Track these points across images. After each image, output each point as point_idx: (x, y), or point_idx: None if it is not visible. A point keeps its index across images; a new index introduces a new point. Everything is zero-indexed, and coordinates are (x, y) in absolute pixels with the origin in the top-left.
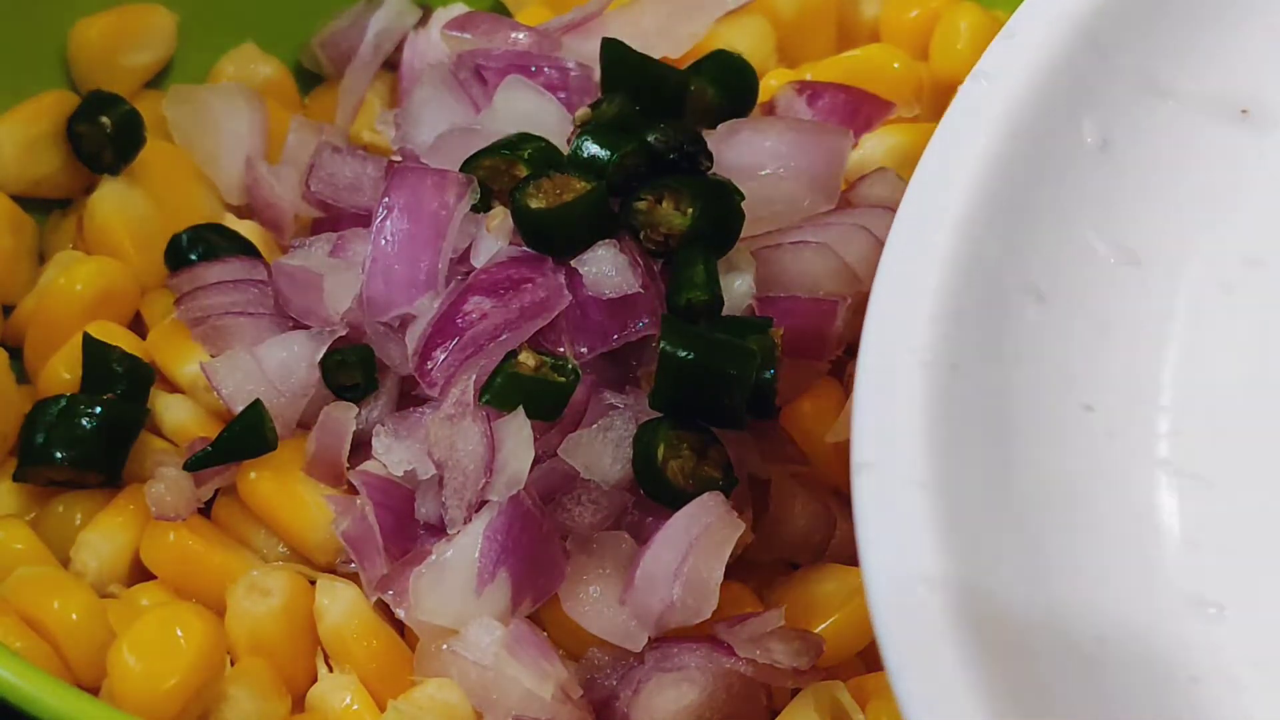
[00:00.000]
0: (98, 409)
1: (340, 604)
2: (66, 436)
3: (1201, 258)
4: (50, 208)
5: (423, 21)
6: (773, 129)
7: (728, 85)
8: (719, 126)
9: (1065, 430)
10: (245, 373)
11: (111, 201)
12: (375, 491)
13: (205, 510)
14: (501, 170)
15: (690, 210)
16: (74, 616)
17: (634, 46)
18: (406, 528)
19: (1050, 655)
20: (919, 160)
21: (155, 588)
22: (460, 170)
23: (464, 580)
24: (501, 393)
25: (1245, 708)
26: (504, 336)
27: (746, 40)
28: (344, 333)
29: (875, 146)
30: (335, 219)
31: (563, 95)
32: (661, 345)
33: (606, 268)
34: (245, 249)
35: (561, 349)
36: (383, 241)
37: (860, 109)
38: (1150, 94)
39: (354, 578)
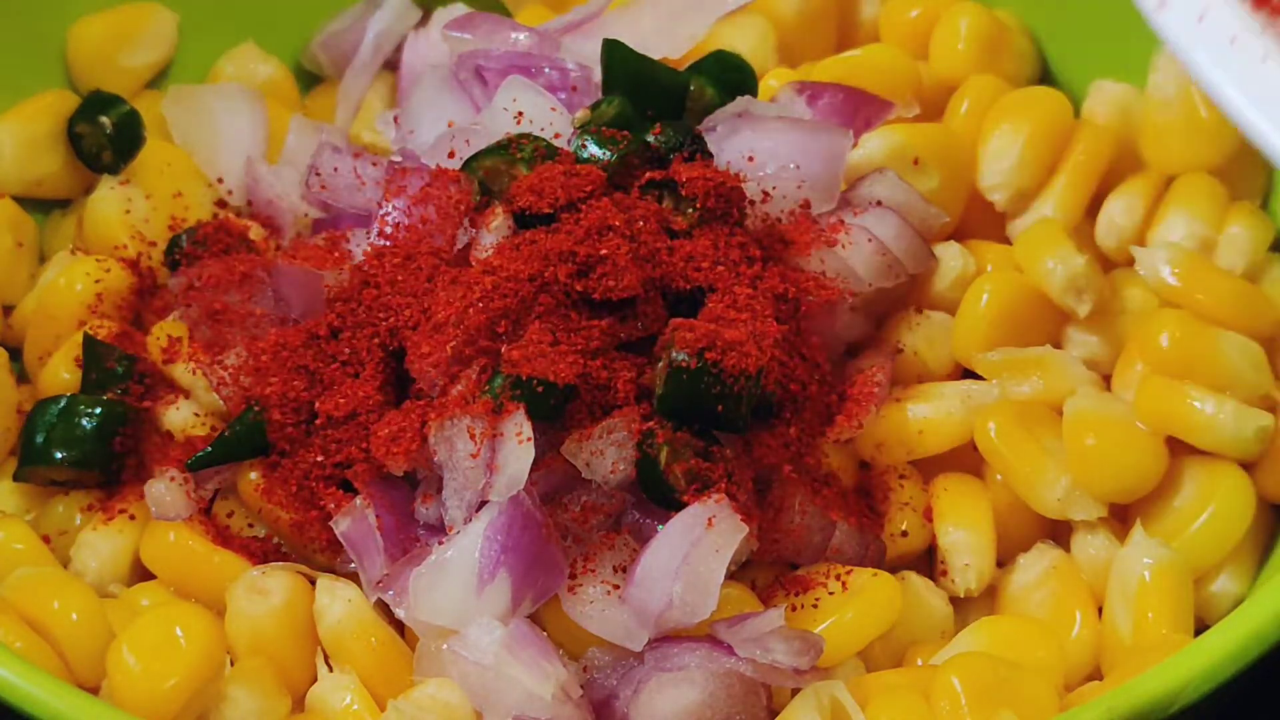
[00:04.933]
0: (98, 409)
1: (340, 604)
2: (66, 436)
3: None
4: (50, 208)
5: (423, 22)
6: (773, 129)
7: (728, 85)
8: (719, 126)
9: None
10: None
11: (111, 201)
12: (375, 491)
13: (205, 510)
14: (501, 170)
15: (691, 210)
16: (74, 616)
17: (634, 47)
18: (406, 528)
19: None
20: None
21: (155, 588)
22: (460, 170)
23: (464, 580)
24: (501, 393)
25: None
26: (504, 336)
27: (746, 40)
28: None
29: (875, 146)
30: (335, 219)
31: (563, 95)
32: (670, 353)
33: (608, 267)
34: (245, 249)
35: (563, 348)
36: (383, 241)
37: (860, 109)
38: None
39: (354, 578)
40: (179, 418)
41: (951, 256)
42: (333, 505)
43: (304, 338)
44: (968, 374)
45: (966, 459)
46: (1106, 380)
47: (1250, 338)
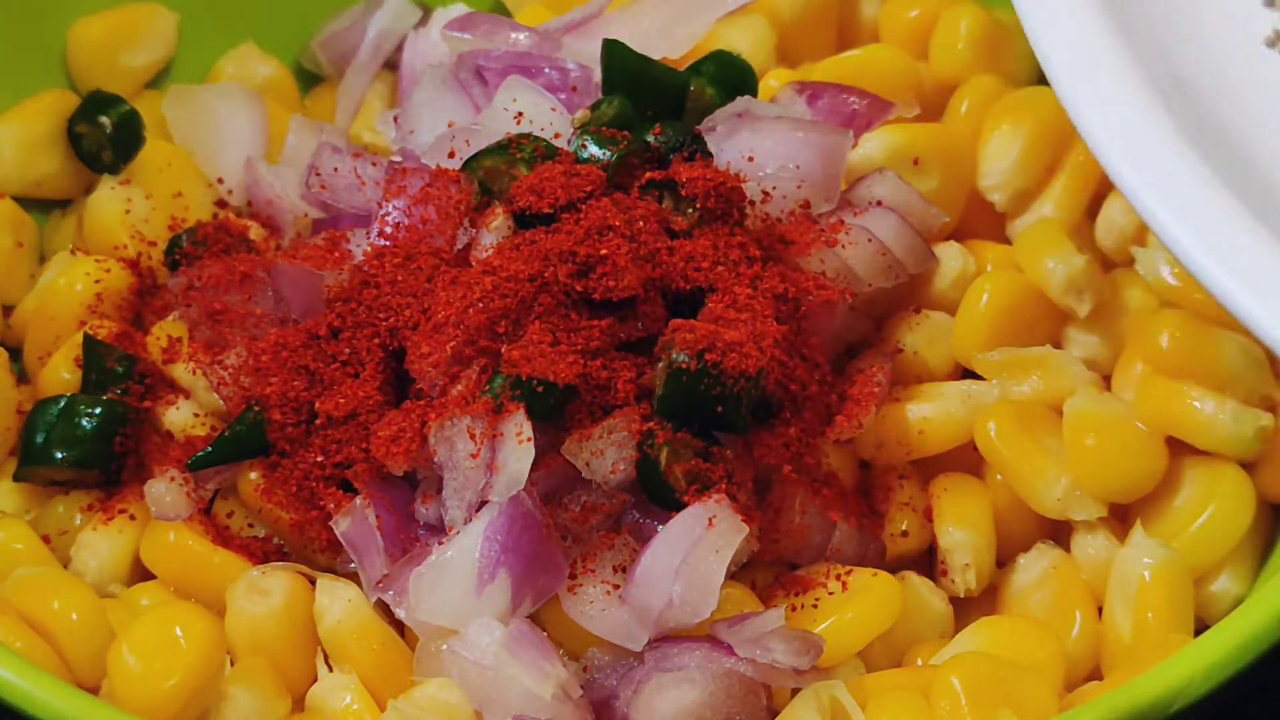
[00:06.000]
0: (98, 409)
1: (340, 604)
2: (66, 436)
3: None
4: (50, 208)
5: (423, 22)
6: (773, 129)
7: (727, 85)
8: (719, 126)
9: None
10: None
11: (111, 201)
12: (375, 491)
13: (205, 510)
14: (501, 170)
15: (691, 210)
16: (74, 616)
17: (634, 47)
18: (406, 528)
19: None
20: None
21: (155, 588)
22: (460, 170)
23: (464, 580)
24: (501, 393)
25: None
26: (504, 336)
27: (746, 40)
28: None
29: (875, 146)
30: (335, 219)
31: (563, 95)
32: (670, 354)
33: (608, 267)
34: (245, 249)
35: (563, 348)
36: (383, 241)
37: (860, 109)
38: None
39: (354, 578)
40: (179, 418)
41: (951, 256)
42: (333, 505)
43: (304, 338)
44: (968, 374)
45: (966, 459)
46: (1106, 380)
47: (1250, 338)
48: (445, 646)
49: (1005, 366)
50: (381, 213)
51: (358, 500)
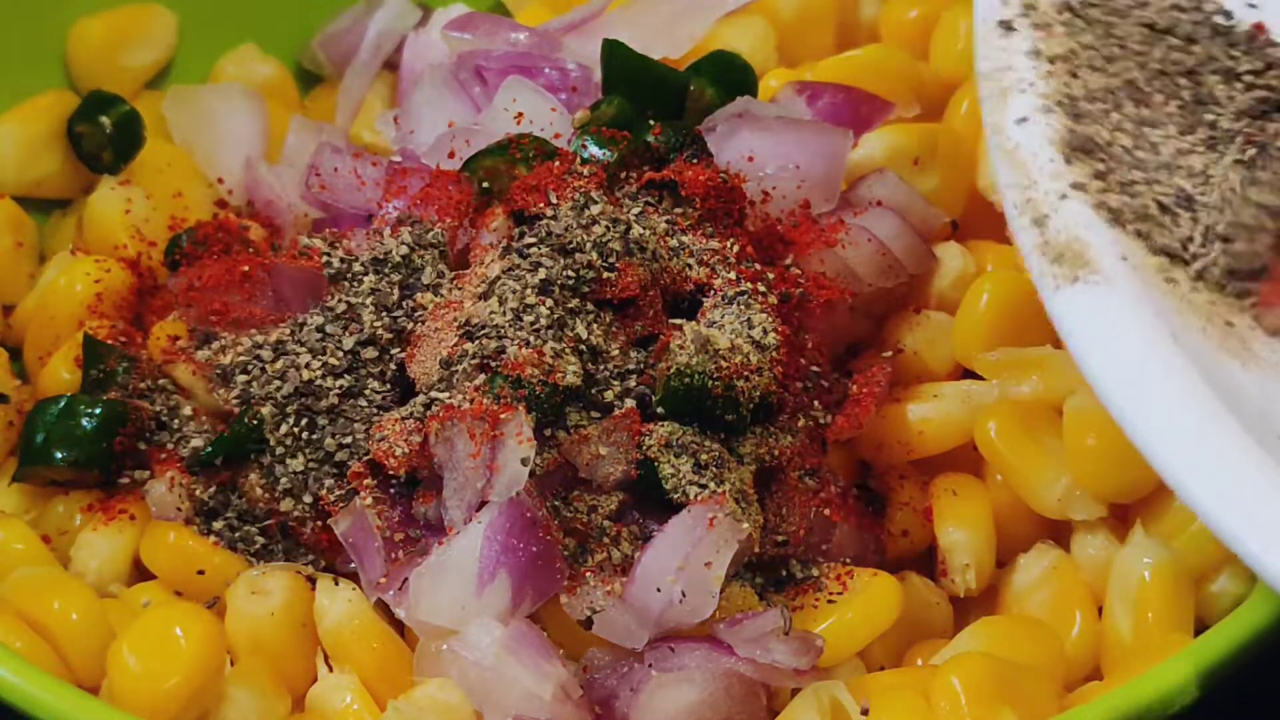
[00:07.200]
0: (98, 409)
1: (340, 604)
2: (66, 436)
3: None
4: (50, 208)
5: (423, 22)
6: (773, 129)
7: (728, 85)
8: (719, 126)
9: None
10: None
11: (111, 201)
12: (375, 491)
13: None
14: (501, 170)
15: (691, 210)
16: (74, 616)
17: (634, 47)
18: (406, 528)
19: None
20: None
21: (155, 588)
22: (460, 170)
23: (464, 580)
24: (501, 393)
25: None
26: (504, 336)
27: (746, 40)
28: None
29: (875, 146)
30: (335, 219)
31: (563, 95)
32: (670, 354)
33: (609, 267)
34: (245, 249)
35: (563, 348)
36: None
37: (860, 109)
38: None
39: (354, 577)
40: (179, 418)
41: (951, 256)
42: (333, 505)
43: None
44: (968, 374)
45: (966, 459)
46: None
47: None
48: (445, 646)
49: (1005, 366)
50: (381, 213)
51: (357, 500)
